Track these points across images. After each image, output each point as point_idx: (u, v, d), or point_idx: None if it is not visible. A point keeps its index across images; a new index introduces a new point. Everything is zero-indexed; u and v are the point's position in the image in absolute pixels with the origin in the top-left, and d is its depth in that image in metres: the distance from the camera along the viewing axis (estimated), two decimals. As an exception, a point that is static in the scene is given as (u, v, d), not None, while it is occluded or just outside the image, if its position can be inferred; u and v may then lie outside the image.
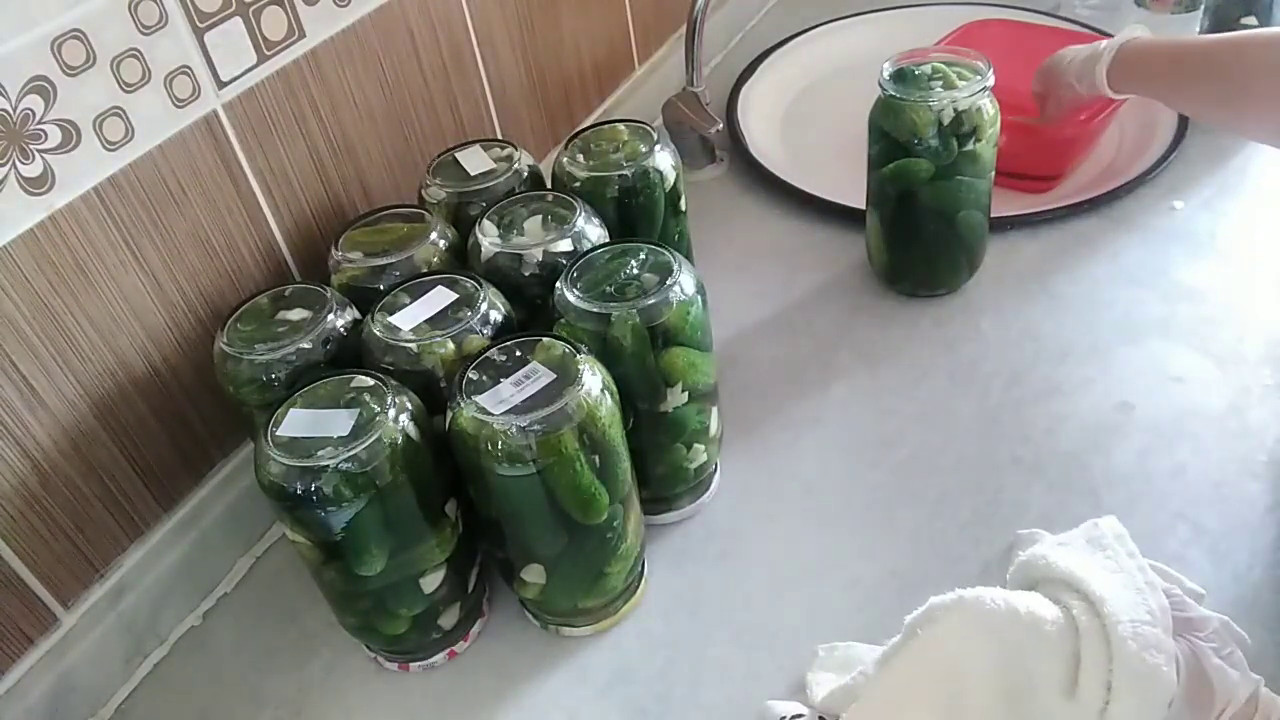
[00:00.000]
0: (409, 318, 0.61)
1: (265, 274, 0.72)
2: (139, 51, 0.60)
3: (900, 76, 0.79)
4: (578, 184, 0.73)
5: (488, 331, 0.61)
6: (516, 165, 0.74)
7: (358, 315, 0.64)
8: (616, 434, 0.57)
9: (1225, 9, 0.94)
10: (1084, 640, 0.49)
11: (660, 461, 0.66)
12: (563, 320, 0.61)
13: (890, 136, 0.79)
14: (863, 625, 0.62)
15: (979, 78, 0.77)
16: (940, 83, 0.77)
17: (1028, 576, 0.55)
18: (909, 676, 0.51)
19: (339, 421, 0.55)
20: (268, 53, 0.68)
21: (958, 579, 0.54)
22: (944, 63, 0.79)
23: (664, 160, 0.73)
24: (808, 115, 1.12)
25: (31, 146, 0.56)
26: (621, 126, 0.76)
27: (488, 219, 0.69)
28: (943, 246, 0.83)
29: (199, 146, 0.65)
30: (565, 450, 0.54)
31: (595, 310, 0.60)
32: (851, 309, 0.86)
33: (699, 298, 0.62)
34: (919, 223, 0.82)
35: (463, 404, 0.55)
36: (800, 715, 0.56)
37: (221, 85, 0.66)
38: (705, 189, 1.02)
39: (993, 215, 0.90)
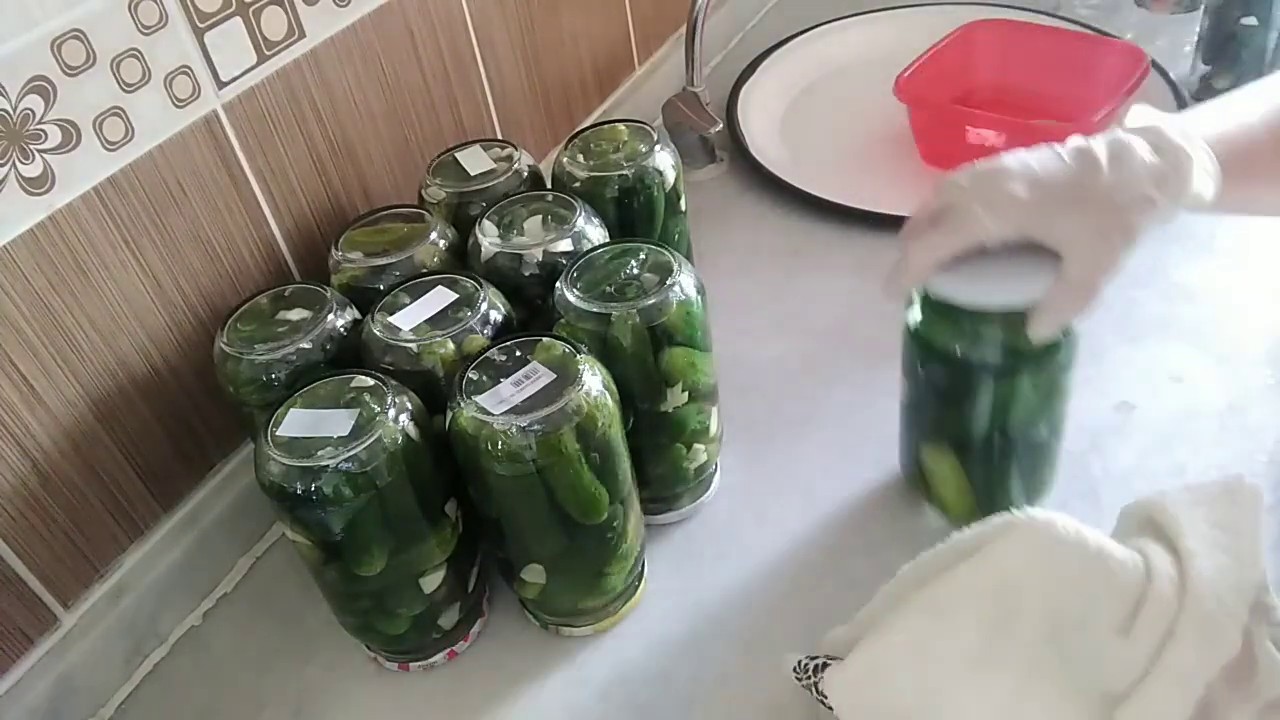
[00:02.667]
0: (409, 318, 0.61)
1: (265, 274, 0.72)
2: (139, 51, 0.60)
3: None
4: (578, 184, 0.73)
5: (488, 331, 0.61)
6: (516, 165, 0.74)
7: (358, 315, 0.64)
8: (616, 434, 0.57)
9: (1225, 9, 0.94)
10: (1155, 582, 0.48)
11: (660, 461, 0.66)
12: (563, 320, 0.61)
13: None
14: (863, 625, 0.62)
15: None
16: None
17: (1137, 516, 0.54)
18: (961, 586, 0.49)
19: (339, 421, 0.55)
20: (268, 53, 0.68)
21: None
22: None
23: (664, 160, 0.73)
24: (808, 115, 1.12)
25: (31, 146, 0.56)
26: (621, 126, 0.76)
27: (488, 219, 0.69)
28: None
29: (199, 146, 0.65)
30: (565, 450, 0.54)
31: (595, 310, 0.60)
32: (851, 309, 0.86)
33: (699, 298, 0.62)
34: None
35: (463, 404, 0.55)
36: (817, 659, 0.54)
37: (221, 85, 0.66)
38: (705, 189, 1.02)
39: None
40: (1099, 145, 0.53)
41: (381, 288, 0.65)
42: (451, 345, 0.60)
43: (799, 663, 0.55)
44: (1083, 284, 0.53)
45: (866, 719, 0.51)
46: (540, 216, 0.68)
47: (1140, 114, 0.55)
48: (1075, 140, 0.54)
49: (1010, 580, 0.49)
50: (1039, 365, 0.59)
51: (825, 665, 0.53)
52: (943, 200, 0.55)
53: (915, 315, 0.61)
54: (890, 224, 0.92)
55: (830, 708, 0.52)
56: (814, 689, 0.53)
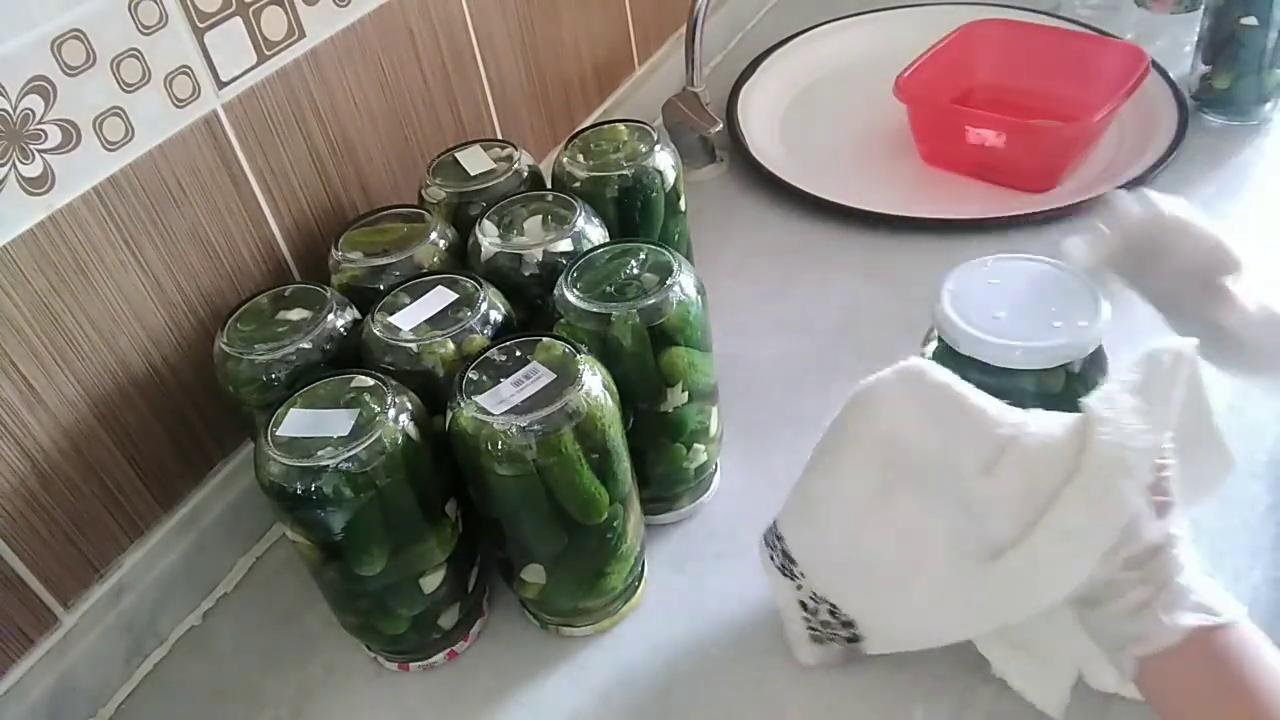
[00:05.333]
0: (409, 318, 0.61)
1: (265, 274, 0.72)
2: (139, 51, 0.60)
3: None
4: (578, 184, 0.73)
5: (488, 331, 0.61)
6: (516, 165, 0.74)
7: (358, 315, 0.64)
8: (616, 434, 0.57)
9: (1225, 9, 0.94)
10: (1026, 432, 0.49)
11: (660, 461, 0.66)
12: (563, 320, 0.61)
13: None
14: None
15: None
16: None
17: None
18: (848, 435, 0.53)
19: (339, 421, 0.55)
20: (268, 53, 0.68)
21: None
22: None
23: (664, 160, 0.73)
24: (808, 115, 1.12)
25: (31, 146, 0.56)
26: (621, 126, 0.76)
27: (488, 219, 0.69)
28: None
29: (199, 146, 0.65)
30: (565, 450, 0.54)
31: (595, 310, 0.60)
32: (851, 309, 0.86)
33: (699, 298, 0.62)
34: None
35: (463, 404, 0.55)
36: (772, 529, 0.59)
37: (221, 85, 0.66)
38: (705, 189, 1.02)
39: (993, 215, 0.91)
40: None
41: (381, 288, 0.65)
42: (451, 345, 0.60)
43: (767, 530, 0.59)
44: None
45: (803, 549, 0.56)
46: (540, 216, 0.68)
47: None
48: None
49: (889, 428, 0.51)
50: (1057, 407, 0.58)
51: (775, 525, 0.58)
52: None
53: (930, 350, 0.60)
54: (890, 224, 0.92)
55: (788, 552, 0.57)
56: (778, 538, 0.58)
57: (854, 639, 0.57)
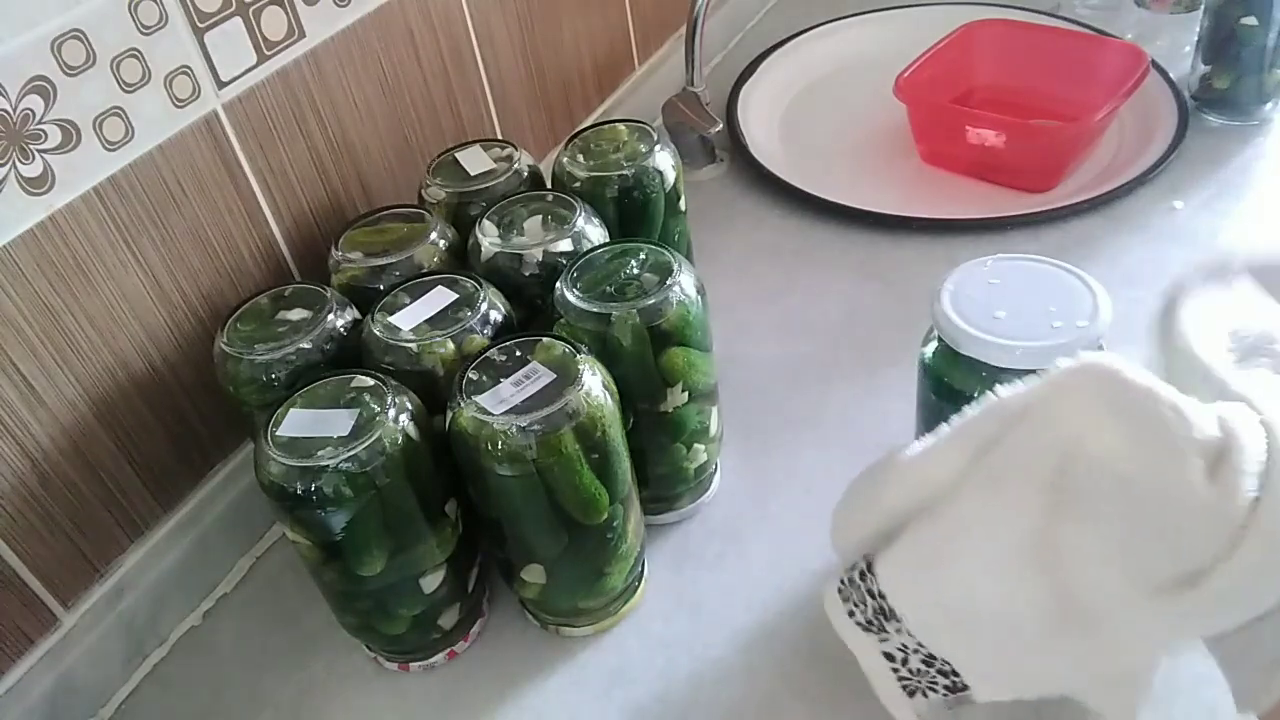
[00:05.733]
0: (409, 318, 0.61)
1: (265, 274, 0.72)
2: (139, 51, 0.60)
3: None
4: (578, 184, 0.73)
5: (488, 331, 0.61)
6: (516, 165, 0.74)
7: (358, 315, 0.64)
8: (616, 434, 0.57)
9: (1225, 9, 0.94)
10: (1240, 433, 0.41)
11: (660, 461, 0.66)
12: (563, 320, 0.61)
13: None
14: (863, 625, 0.62)
15: None
16: None
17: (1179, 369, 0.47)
18: (1017, 452, 0.44)
19: (339, 421, 0.55)
20: (268, 53, 0.68)
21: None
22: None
23: (664, 160, 0.73)
24: (808, 115, 1.12)
25: (31, 146, 0.56)
26: (621, 126, 0.76)
27: (488, 219, 0.69)
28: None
29: (199, 146, 0.65)
30: (565, 450, 0.54)
31: (595, 310, 0.60)
32: (851, 309, 0.86)
33: (699, 298, 0.62)
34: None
35: (463, 404, 0.55)
36: (856, 566, 0.50)
37: (221, 85, 0.66)
38: (705, 189, 1.02)
39: (993, 215, 0.91)
40: None
41: (381, 288, 0.65)
42: (451, 345, 0.60)
43: (842, 582, 0.51)
44: None
45: (922, 606, 0.47)
46: (540, 216, 0.68)
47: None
48: None
49: (1072, 442, 0.43)
50: None
51: (869, 563, 0.49)
52: None
53: (930, 349, 0.60)
54: (890, 224, 0.92)
55: (891, 609, 0.48)
56: (870, 594, 0.49)
57: (958, 688, 0.49)
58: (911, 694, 0.50)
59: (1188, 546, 0.42)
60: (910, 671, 0.50)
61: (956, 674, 0.48)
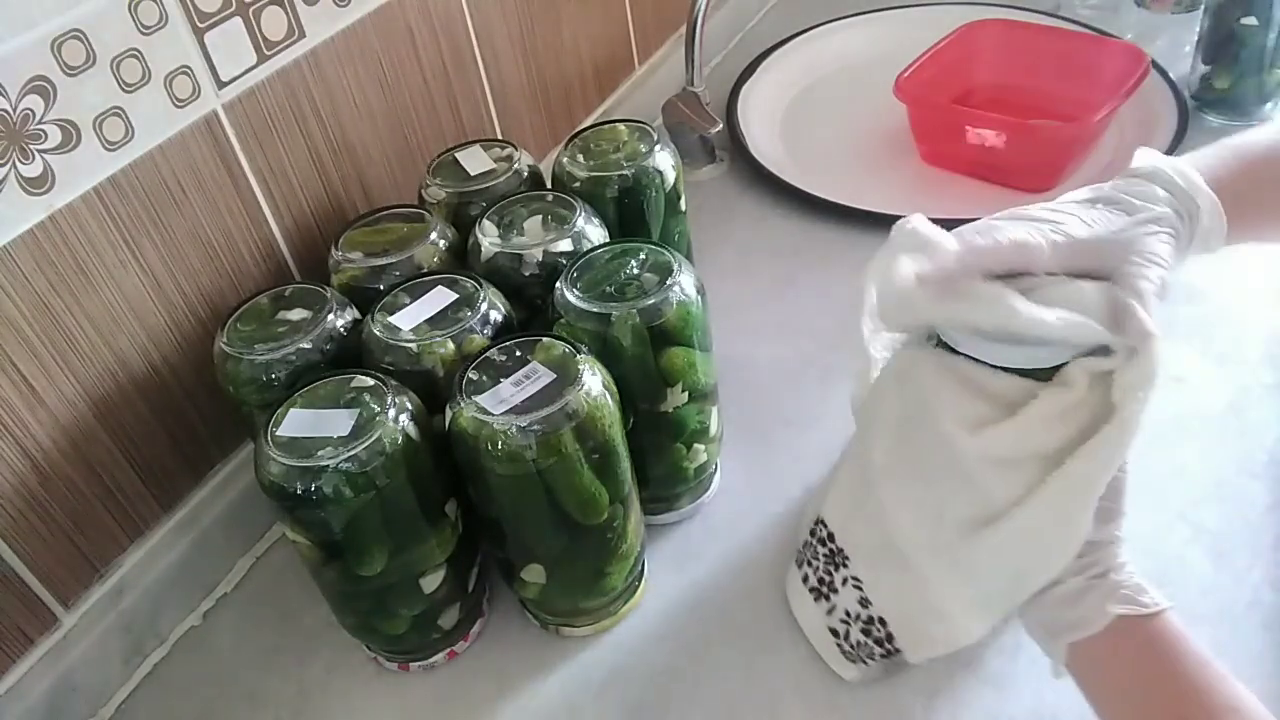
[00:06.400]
0: (409, 318, 0.61)
1: (265, 274, 0.72)
2: (139, 51, 0.60)
3: None
4: (578, 184, 0.73)
5: (488, 331, 0.61)
6: (516, 165, 0.74)
7: (358, 315, 0.64)
8: (616, 434, 0.57)
9: (1225, 9, 0.94)
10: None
11: (660, 461, 0.66)
12: (563, 320, 0.61)
13: None
14: (863, 625, 0.62)
15: None
16: None
17: None
18: (875, 404, 0.56)
19: (339, 421, 0.55)
20: (268, 53, 0.68)
21: (958, 579, 0.54)
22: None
23: (664, 160, 0.73)
24: (808, 115, 1.12)
25: (31, 146, 0.56)
26: (621, 126, 0.76)
27: (488, 219, 0.69)
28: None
29: (199, 146, 0.65)
30: (565, 450, 0.54)
31: (595, 310, 0.60)
32: (851, 309, 0.86)
33: (699, 298, 0.62)
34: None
35: (463, 404, 0.55)
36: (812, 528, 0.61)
37: (221, 85, 0.66)
38: (705, 189, 1.02)
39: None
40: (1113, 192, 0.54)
41: (381, 288, 0.65)
42: (451, 345, 0.60)
43: (800, 547, 0.62)
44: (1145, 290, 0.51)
45: (851, 532, 0.58)
46: (540, 216, 0.68)
47: (1144, 155, 0.56)
48: (1087, 192, 0.55)
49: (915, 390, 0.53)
50: None
51: (821, 518, 0.60)
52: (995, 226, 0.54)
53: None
54: (890, 224, 0.92)
55: (840, 549, 0.58)
56: (822, 542, 0.60)
57: (891, 653, 0.58)
58: (853, 662, 0.59)
59: (982, 490, 0.50)
60: (851, 645, 0.59)
61: (891, 638, 0.57)
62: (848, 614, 0.58)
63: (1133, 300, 0.47)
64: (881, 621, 0.57)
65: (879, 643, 0.57)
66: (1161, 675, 0.47)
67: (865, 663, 0.59)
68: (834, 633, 0.59)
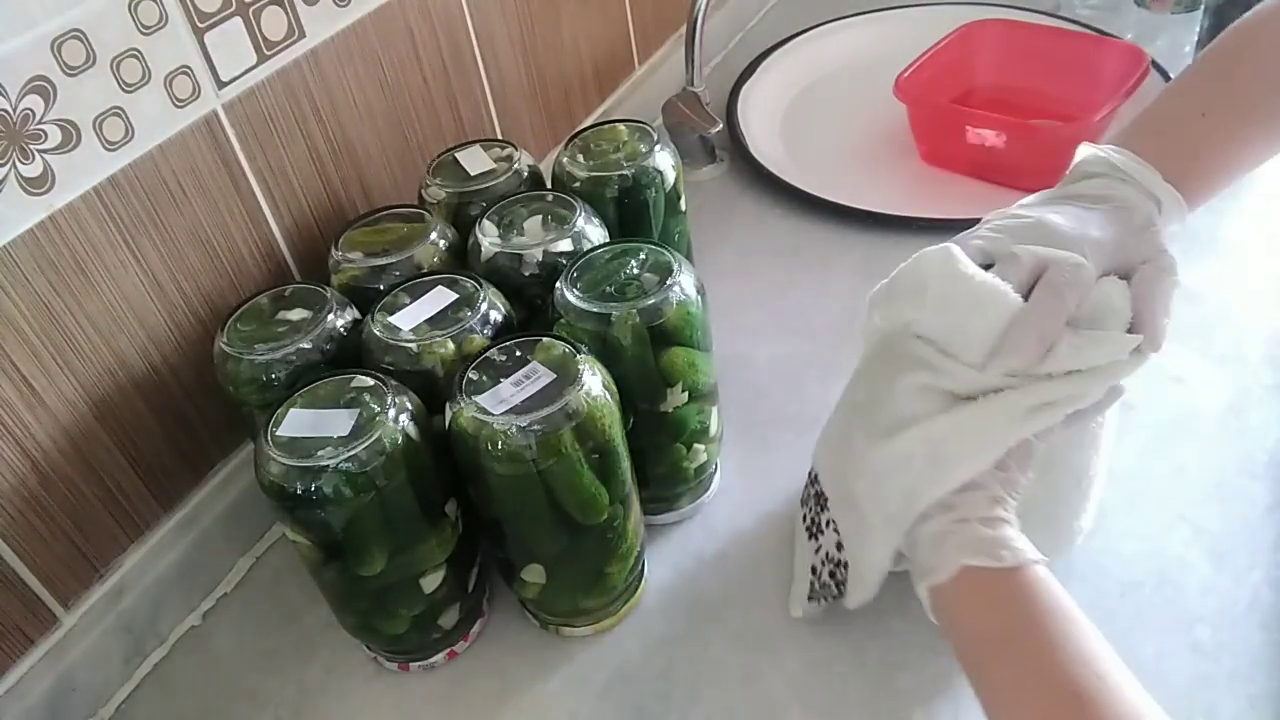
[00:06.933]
0: (409, 318, 0.61)
1: (265, 274, 0.72)
2: (139, 51, 0.60)
3: None
4: (578, 184, 0.73)
5: (488, 331, 0.61)
6: (516, 165, 0.74)
7: (358, 315, 0.64)
8: (616, 434, 0.57)
9: (1225, 9, 0.94)
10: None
11: (660, 461, 0.66)
12: (563, 320, 0.61)
13: None
14: (863, 625, 0.62)
15: None
16: None
17: None
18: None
19: (339, 421, 0.55)
20: (268, 53, 0.68)
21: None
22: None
23: (664, 160, 0.73)
24: (808, 115, 1.12)
25: (31, 146, 0.56)
26: (621, 126, 0.76)
27: (488, 219, 0.69)
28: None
29: (199, 146, 0.65)
30: (565, 450, 0.54)
31: (595, 310, 0.60)
32: (851, 309, 0.86)
33: (699, 298, 0.62)
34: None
35: (463, 404, 0.55)
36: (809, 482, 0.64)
37: (221, 85, 0.66)
38: (705, 189, 1.02)
39: (993, 215, 0.91)
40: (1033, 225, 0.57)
41: (381, 288, 0.65)
42: (451, 345, 0.60)
43: (804, 489, 0.64)
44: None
45: (831, 474, 0.59)
46: (540, 216, 0.68)
47: (1087, 150, 0.60)
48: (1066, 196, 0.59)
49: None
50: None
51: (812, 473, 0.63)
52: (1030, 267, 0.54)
53: None
54: (890, 224, 0.92)
55: (821, 492, 0.60)
56: (813, 481, 0.62)
57: (839, 595, 0.60)
58: (810, 600, 0.62)
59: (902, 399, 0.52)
60: (820, 585, 0.61)
61: (844, 582, 0.59)
62: (827, 556, 0.60)
63: (1160, 307, 0.52)
64: (844, 565, 0.58)
65: (839, 585, 0.59)
66: (1012, 629, 0.47)
67: (819, 603, 0.61)
68: (813, 570, 0.61)
